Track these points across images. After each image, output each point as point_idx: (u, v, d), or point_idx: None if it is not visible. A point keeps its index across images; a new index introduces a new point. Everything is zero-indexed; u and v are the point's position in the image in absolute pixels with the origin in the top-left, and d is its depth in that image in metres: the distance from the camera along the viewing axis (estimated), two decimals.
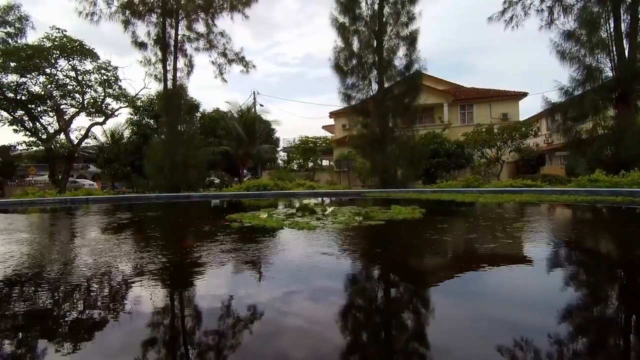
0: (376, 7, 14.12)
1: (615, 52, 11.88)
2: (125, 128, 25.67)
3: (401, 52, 14.00)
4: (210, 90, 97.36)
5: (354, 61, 14.68)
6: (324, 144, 24.55)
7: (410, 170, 13.37)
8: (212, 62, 17.89)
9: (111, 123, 27.17)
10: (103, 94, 26.26)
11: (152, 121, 24.12)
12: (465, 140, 20.87)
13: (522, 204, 6.39)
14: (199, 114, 24.70)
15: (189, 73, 16.77)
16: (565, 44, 12.83)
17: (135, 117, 24.62)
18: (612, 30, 11.96)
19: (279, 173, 24.07)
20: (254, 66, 17.52)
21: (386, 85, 14.24)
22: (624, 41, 11.81)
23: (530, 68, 77.96)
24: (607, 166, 10.87)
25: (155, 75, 16.24)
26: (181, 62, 16.61)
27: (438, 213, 5.99)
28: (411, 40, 13.81)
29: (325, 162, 31.76)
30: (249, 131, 23.94)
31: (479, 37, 77.48)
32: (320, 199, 10.44)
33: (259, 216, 5.28)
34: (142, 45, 16.25)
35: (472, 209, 6.23)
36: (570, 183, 10.96)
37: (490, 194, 8.61)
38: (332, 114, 33.03)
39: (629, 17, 11.91)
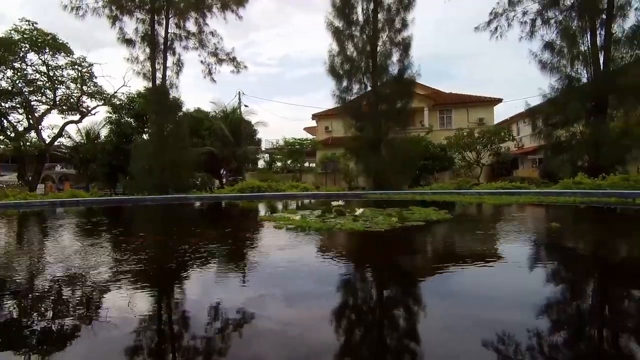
0: (371, 13, 14.45)
1: (592, 64, 12.85)
2: (103, 127, 24.59)
3: (395, 57, 14.41)
4: (189, 88, 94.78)
5: (348, 65, 14.94)
6: (309, 146, 24.61)
7: (405, 172, 13.77)
8: (202, 62, 17.61)
9: (87, 122, 25.82)
10: (78, 91, 25.03)
11: (132, 120, 23.23)
12: (448, 143, 21.70)
13: (528, 205, 6.84)
14: (180, 113, 24.00)
15: (178, 72, 16.42)
16: (546, 55, 13.74)
17: (114, 116, 23.62)
18: (589, 43, 12.93)
19: (263, 174, 23.88)
20: (245, 67, 17.42)
21: (380, 89, 14.59)
22: (600, 54, 12.80)
23: (503, 75, 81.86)
24: (586, 170, 11.75)
25: (144, 74, 15.75)
26: (170, 61, 16.23)
27: (461, 214, 6.29)
28: (404, 46, 14.24)
29: (307, 164, 31.81)
30: (234, 132, 23.63)
31: (454, 44, 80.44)
32: (323, 200, 10.56)
33: (291, 218, 5.36)
34: (129, 42, 15.71)
35: (490, 209, 6.59)
36: (555, 185, 11.74)
37: (489, 195, 9.09)
38: (315, 116, 33.21)
39: (603, 32, 12.93)
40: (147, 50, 15.79)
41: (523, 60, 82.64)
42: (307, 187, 15.29)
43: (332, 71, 15.03)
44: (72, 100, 25.05)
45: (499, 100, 28.80)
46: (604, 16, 12.87)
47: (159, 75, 15.78)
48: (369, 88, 14.68)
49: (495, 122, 29.30)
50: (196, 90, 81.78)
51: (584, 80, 13.12)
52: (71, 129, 25.03)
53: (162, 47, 15.81)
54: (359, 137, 14.73)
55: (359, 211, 5.65)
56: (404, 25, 14.22)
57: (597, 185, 9.58)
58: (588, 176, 10.62)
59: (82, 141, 24.61)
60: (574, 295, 1.98)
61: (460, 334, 1.41)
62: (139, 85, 43.90)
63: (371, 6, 14.50)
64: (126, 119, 23.44)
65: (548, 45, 13.74)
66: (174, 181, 14.60)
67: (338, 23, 14.84)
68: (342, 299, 1.98)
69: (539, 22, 14.34)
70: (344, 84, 14.91)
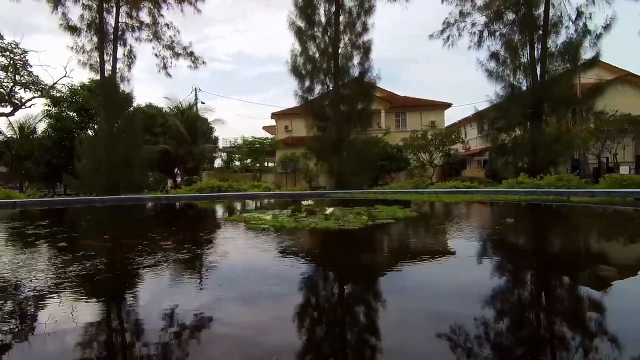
0: (333, 15, 14.69)
1: (531, 74, 14.18)
2: (40, 121, 22.38)
3: (356, 60, 14.78)
4: (137, 82, 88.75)
5: (311, 66, 15.06)
6: (269, 145, 24.38)
7: (366, 172, 14.20)
8: (156, 55, 16.71)
9: (21, 115, 23.41)
10: (10, 81, 22.58)
11: (75, 115, 21.42)
12: (404, 145, 22.69)
13: (481, 203, 7.42)
14: (131, 108, 22.64)
15: (130, 65, 15.46)
16: (492, 64, 14.92)
17: (54, 109, 21.62)
18: (528, 55, 14.25)
19: (221, 174, 23.25)
20: (204, 62, 16.80)
21: (341, 90, 14.88)
22: (538, 66, 14.16)
23: (450, 81, 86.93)
24: (526, 170, 12.95)
25: (91, 65, 14.61)
26: (120, 52, 15.23)
27: (425, 212, 6.65)
28: (365, 50, 14.67)
29: (266, 164, 31.47)
30: (191, 129, 22.73)
31: (406, 49, 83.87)
32: (288, 200, 10.57)
33: (263, 218, 5.33)
34: (74, 30, 14.49)
35: (450, 207, 7.04)
36: (500, 184, 12.79)
37: (445, 194, 9.70)
38: (274, 115, 32.95)
39: (540, 46, 14.32)
40: (95, 39, 14.69)
41: (465, 67, 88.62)
42: (269, 187, 15.14)
43: (294, 71, 15.05)
44: (2, 90, 22.55)
45: (449, 105, 30.64)
46: (540, 32, 14.26)
47: (108, 67, 14.73)
48: (331, 89, 14.92)
49: (445, 125, 31.13)
50: (144, 85, 77.29)
51: (525, 88, 14.43)
52: (1, 123, 22.53)
53: (112, 37, 14.78)
54: (321, 137, 14.91)
55: (329, 210, 5.76)
56: (365, 29, 14.64)
57: (537, 185, 10.60)
58: (528, 176, 11.72)
59: (15, 136, 22.20)
60: (538, 281, 2.24)
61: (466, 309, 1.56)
62: (83, 76, 40.47)
63: (333, 8, 14.75)
64: (68, 113, 21.55)
65: (494, 56, 14.92)
66: (126, 181, 13.73)
67: (300, 23, 14.91)
68: (347, 292, 2.06)
69: (485, 33, 15.53)
70: (307, 84, 15.01)
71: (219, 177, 19.15)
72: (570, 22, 13.89)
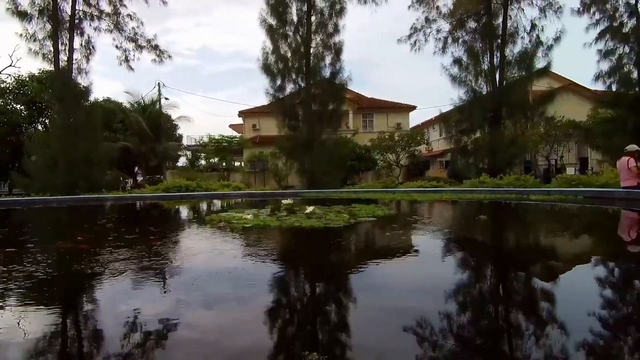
0: (304, 14, 14.71)
1: (491, 81, 15.08)
2: None
3: (327, 60, 14.91)
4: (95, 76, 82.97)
5: (282, 64, 14.99)
6: (238, 144, 23.90)
7: (337, 172, 14.37)
8: (117, 47, 15.78)
9: None
10: None
11: (23, 108, 19.75)
12: (372, 145, 23.21)
13: (451, 201, 7.81)
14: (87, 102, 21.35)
15: (88, 56, 14.50)
16: (455, 69, 15.71)
17: None
18: (489, 62, 15.15)
19: (186, 173, 22.47)
20: (169, 56, 16.12)
21: (313, 90, 14.95)
22: (497, 73, 15.08)
23: (416, 84, 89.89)
24: (487, 171, 13.76)
25: (44, 55, 13.55)
26: (77, 42, 14.25)
27: (402, 210, 6.86)
28: (336, 51, 14.84)
29: (233, 163, 30.83)
30: (154, 126, 21.73)
31: (374, 51, 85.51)
32: (261, 199, 10.46)
33: (243, 217, 5.25)
34: (23, 16, 13.36)
35: (424, 205, 7.34)
36: (462, 184, 13.48)
37: (416, 193, 10.09)
38: (242, 113, 32.34)
39: (499, 54, 15.27)
40: (48, 27, 13.63)
41: (428, 72, 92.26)
42: (239, 187, 14.87)
43: (266, 69, 14.91)
44: None
45: (414, 108, 31.77)
46: (499, 41, 15.22)
47: (63, 57, 13.74)
48: (302, 88, 14.93)
49: (410, 127, 32.25)
50: (100, 78, 72.65)
51: (485, 94, 15.31)
52: None
53: (68, 25, 13.80)
54: (292, 136, 14.89)
55: (309, 209, 5.79)
56: (336, 30, 14.83)
57: (497, 184, 11.30)
58: (489, 176, 12.47)
59: None
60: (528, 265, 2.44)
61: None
62: (32, 66, 37.32)
63: (305, 8, 14.78)
64: (14, 105, 19.82)
65: (457, 62, 15.71)
66: (85, 179, 12.89)
67: (272, 21, 14.80)
68: (358, 283, 2.11)
69: (450, 40, 16.30)
70: (278, 82, 14.92)
71: (185, 176, 18.49)
72: (525, 33, 14.98)
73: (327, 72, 14.89)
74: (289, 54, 15.10)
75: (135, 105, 23.52)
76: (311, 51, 14.79)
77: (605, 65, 15.26)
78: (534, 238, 3.93)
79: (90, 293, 2.03)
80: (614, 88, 15.37)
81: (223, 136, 23.59)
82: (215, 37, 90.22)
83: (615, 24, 15.29)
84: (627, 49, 15.28)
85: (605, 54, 15.43)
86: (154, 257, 2.85)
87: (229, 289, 2.01)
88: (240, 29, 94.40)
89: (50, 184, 12.59)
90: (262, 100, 15.23)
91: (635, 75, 15.04)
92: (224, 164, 23.60)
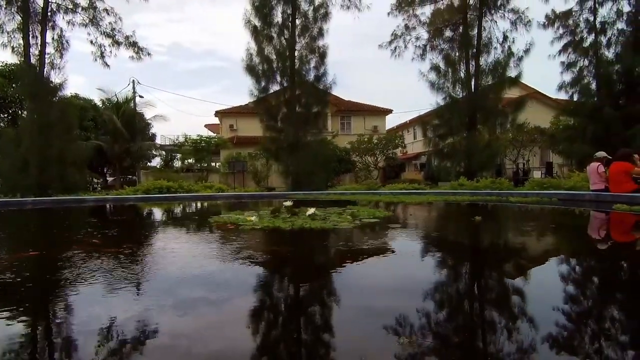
0: (289, 17, 14.82)
1: (467, 88, 15.88)
2: None
3: (312, 63, 15.08)
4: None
5: (266, 66, 15.01)
6: (216, 144, 23.52)
7: (322, 173, 14.57)
8: (92, 42, 15.16)
9: None
10: None
11: None
12: (351, 147, 23.65)
13: (439, 203, 8.21)
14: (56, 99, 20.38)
15: (61, 51, 13.83)
16: (432, 75, 16.41)
17: None
18: (465, 70, 15.94)
19: (162, 173, 21.84)
20: (149, 54, 15.66)
21: (297, 92, 15.08)
22: (472, 80, 15.90)
23: (390, 88, 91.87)
24: (463, 174, 14.46)
25: (13, 47, 12.80)
26: (49, 36, 13.57)
27: (399, 211, 7.11)
28: (321, 54, 15.05)
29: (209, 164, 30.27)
30: (128, 125, 20.96)
31: (348, 53, 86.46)
32: (250, 201, 10.46)
33: (247, 218, 5.31)
34: None
35: (416, 206, 7.65)
36: (440, 186, 14.09)
37: (401, 195, 10.45)
38: (219, 113, 31.83)
39: (474, 63, 16.11)
40: (18, 18, 12.90)
41: (401, 77, 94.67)
42: (222, 188, 14.71)
43: (250, 70, 14.88)
44: None
45: (390, 111, 32.64)
46: (474, 50, 16.05)
47: (34, 51, 13.04)
48: (287, 91, 15.03)
49: (386, 130, 33.08)
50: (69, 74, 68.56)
51: (462, 100, 16.09)
52: None
53: (40, 17, 13.11)
54: (277, 138, 14.93)
55: (310, 211, 5.93)
56: (321, 34, 15.03)
57: (475, 187, 11.93)
58: (467, 179, 13.13)
59: None
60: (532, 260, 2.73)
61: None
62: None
63: (289, 10, 14.89)
64: None
65: (436, 68, 16.39)
66: (62, 180, 12.30)
67: (256, 22, 14.78)
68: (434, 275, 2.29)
69: (428, 48, 17.01)
70: (262, 84, 14.92)
71: (159, 177, 17.97)
72: (498, 44, 15.90)
73: (311, 75, 15.06)
74: (273, 56, 15.15)
75: (107, 103, 22.56)
76: (296, 54, 14.92)
77: (567, 77, 16.50)
78: (551, 236, 4.29)
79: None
80: (575, 98, 16.63)
81: (201, 136, 23.13)
82: (187, 34, 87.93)
83: (576, 39, 16.56)
84: (586, 62, 16.61)
85: (567, 66, 16.66)
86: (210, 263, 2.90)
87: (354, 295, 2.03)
88: (212, 26, 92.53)
89: (21, 185, 11.92)
90: (239, 100, 15.35)
91: (594, 86, 16.35)
92: (200, 165, 23.14)
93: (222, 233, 4.63)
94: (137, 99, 22.87)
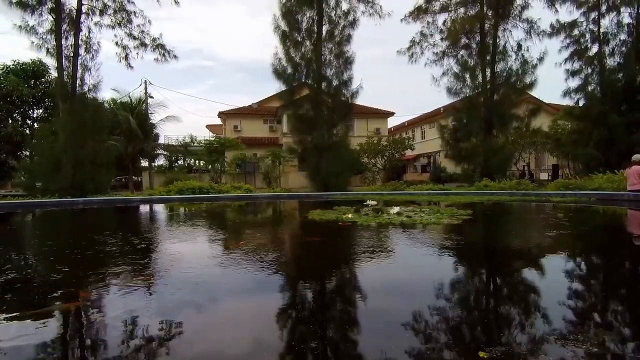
0: (316, 24, 15.23)
1: (484, 93, 16.65)
2: None
3: (338, 69, 15.51)
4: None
5: (291, 69, 15.38)
6: (228, 145, 23.57)
7: (347, 174, 15.04)
8: (117, 44, 15.14)
9: None
10: None
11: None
12: (360, 149, 24.18)
13: (489, 203, 8.79)
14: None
15: (90, 50, 13.78)
16: (449, 80, 17.14)
17: None
18: (481, 77, 16.71)
19: (174, 174, 21.79)
20: (175, 56, 15.74)
21: (323, 97, 15.49)
22: (488, 86, 16.68)
23: (389, 91, 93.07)
24: (480, 175, 15.19)
25: (47, 49, 12.72)
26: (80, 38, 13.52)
27: (474, 212, 7.35)
28: (346, 60, 15.50)
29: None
30: (141, 125, 20.87)
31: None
32: (286, 201, 10.78)
33: (345, 215, 5.73)
34: (24, 6, 12.45)
35: (475, 206, 8.01)
36: (471, 187, 14.78)
37: (439, 195, 11.01)
38: (222, 114, 31.85)
39: (489, 71, 16.91)
40: (50, 19, 12.84)
41: (400, 79, 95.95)
42: (250, 189, 14.93)
43: (276, 73, 15.22)
44: None
45: (393, 114, 33.36)
46: (489, 57, 16.86)
47: (67, 53, 13.00)
48: (314, 95, 15.43)
49: (387, 132, 33.78)
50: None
51: (479, 105, 16.86)
52: None
53: (75, 19, 13.07)
54: (304, 140, 15.31)
55: (395, 209, 6.38)
56: (347, 40, 15.48)
57: (500, 188, 12.60)
58: (489, 180, 13.83)
59: None
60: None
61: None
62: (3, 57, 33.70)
63: (316, 17, 15.29)
64: None
65: (454, 75, 17.13)
66: (94, 181, 12.33)
67: (285, 27, 15.13)
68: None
69: (445, 54, 17.72)
70: (289, 87, 15.28)
71: (172, 178, 17.95)
72: (513, 52, 16.75)
73: (338, 80, 15.49)
74: (297, 59, 15.50)
75: (118, 103, 22.37)
76: (322, 59, 15.32)
77: (572, 83, 17.50)
78: None
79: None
80: (580, 103, 17.65)
81: (218, 137, 23.16)
82: (176, 33, 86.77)
83: (581, 48, 17.59)
84: (590, 71, 17.67)
85: (572, 74, 17.66)
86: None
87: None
88: (199, 25, 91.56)
89: (55, 186, 11.87)
90: (241, 101, 15.53)
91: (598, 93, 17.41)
92: (212, 165, 23.17)
93: (349, 228, 4.84)
94: (149, 99, 22.78)
